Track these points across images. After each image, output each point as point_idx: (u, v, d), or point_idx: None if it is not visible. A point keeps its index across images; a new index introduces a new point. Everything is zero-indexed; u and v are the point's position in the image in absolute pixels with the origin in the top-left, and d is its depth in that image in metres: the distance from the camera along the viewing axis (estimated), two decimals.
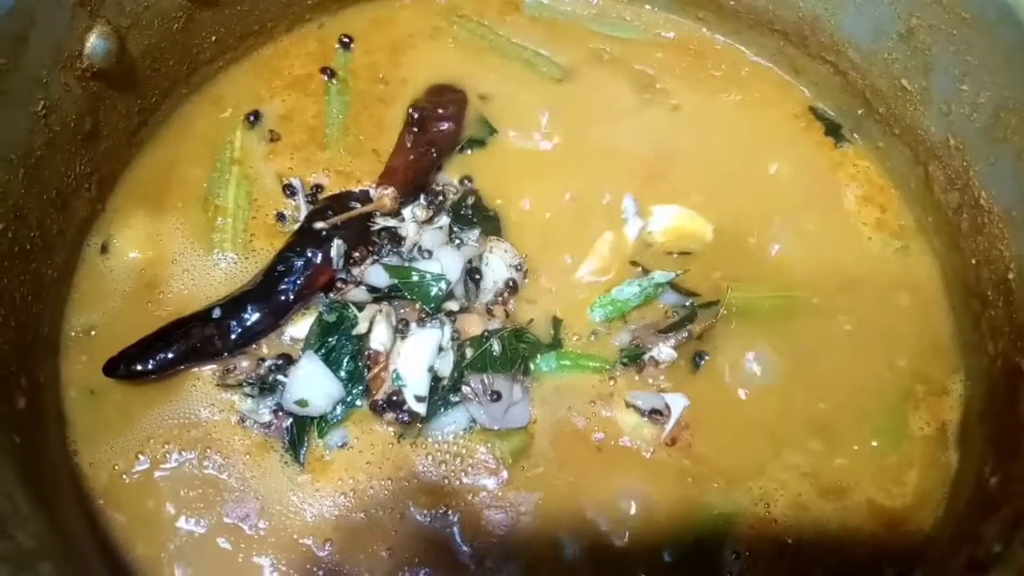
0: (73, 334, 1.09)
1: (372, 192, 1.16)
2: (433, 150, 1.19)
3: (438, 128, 1.20)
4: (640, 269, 1.17)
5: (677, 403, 1.09)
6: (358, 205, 1.14)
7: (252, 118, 1.23)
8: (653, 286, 1.16)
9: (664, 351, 1.11)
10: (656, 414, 1.09)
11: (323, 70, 1.27)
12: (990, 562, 0.90)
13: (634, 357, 1.11)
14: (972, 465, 1.06)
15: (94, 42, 1.03)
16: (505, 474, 1.05)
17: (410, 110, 1.20)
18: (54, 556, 0.84)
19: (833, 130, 1.30)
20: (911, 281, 1.20)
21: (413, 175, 1.17)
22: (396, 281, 1.10)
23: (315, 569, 1.00)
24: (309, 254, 1.09)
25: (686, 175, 1.24)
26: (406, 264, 1.12)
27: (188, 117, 1.23)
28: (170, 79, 1.20)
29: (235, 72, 1.26)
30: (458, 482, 1.05)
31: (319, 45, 1.30)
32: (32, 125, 0.99)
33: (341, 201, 1.15)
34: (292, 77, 1.27)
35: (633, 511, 1.04)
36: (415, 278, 1.10)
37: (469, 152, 1.24)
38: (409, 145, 1.18)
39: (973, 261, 1.13)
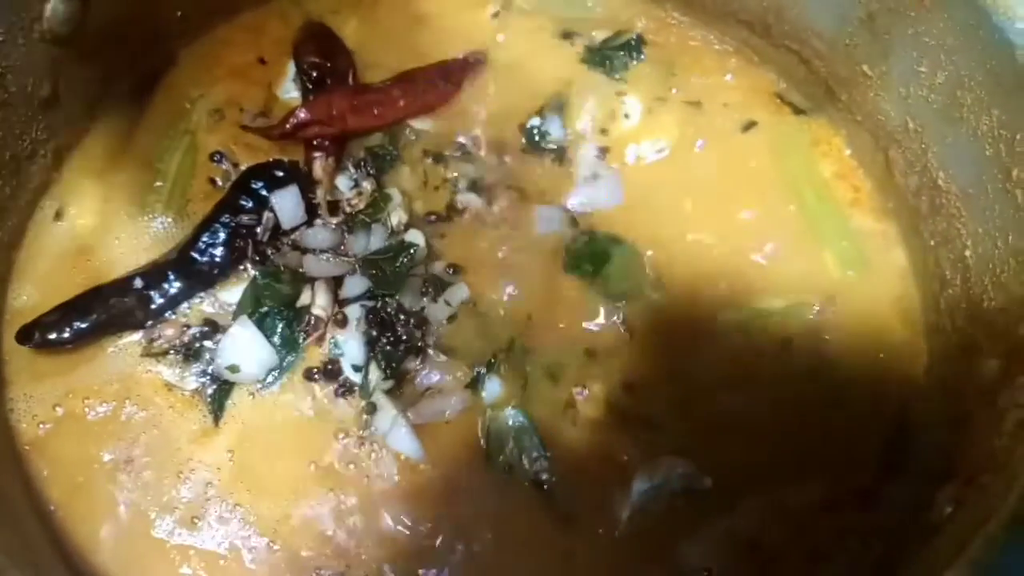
0: (18, 301, 1.10)
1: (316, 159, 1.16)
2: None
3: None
4: None
5: None
6: (281, 174, 1.13)
7: (207, 96, 1.23)
8: None
9: None
10: None
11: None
12: None
13: None
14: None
15: (55, 5, 1.02)
16: None
17: (305, 67, 1.21)
18: None
19: (799, 113, 1.28)
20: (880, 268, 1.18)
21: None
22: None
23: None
24: (237, 220, 1.08)
25: None
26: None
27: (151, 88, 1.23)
28: (135, 50, 1.21)
29: (198, 49, 1.27)
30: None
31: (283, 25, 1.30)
32: None
33: (268, 169, 1.14)
34: (245, 62, 1.27)
35: None
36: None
37: None
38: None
39: (932, 243, 1.11)
